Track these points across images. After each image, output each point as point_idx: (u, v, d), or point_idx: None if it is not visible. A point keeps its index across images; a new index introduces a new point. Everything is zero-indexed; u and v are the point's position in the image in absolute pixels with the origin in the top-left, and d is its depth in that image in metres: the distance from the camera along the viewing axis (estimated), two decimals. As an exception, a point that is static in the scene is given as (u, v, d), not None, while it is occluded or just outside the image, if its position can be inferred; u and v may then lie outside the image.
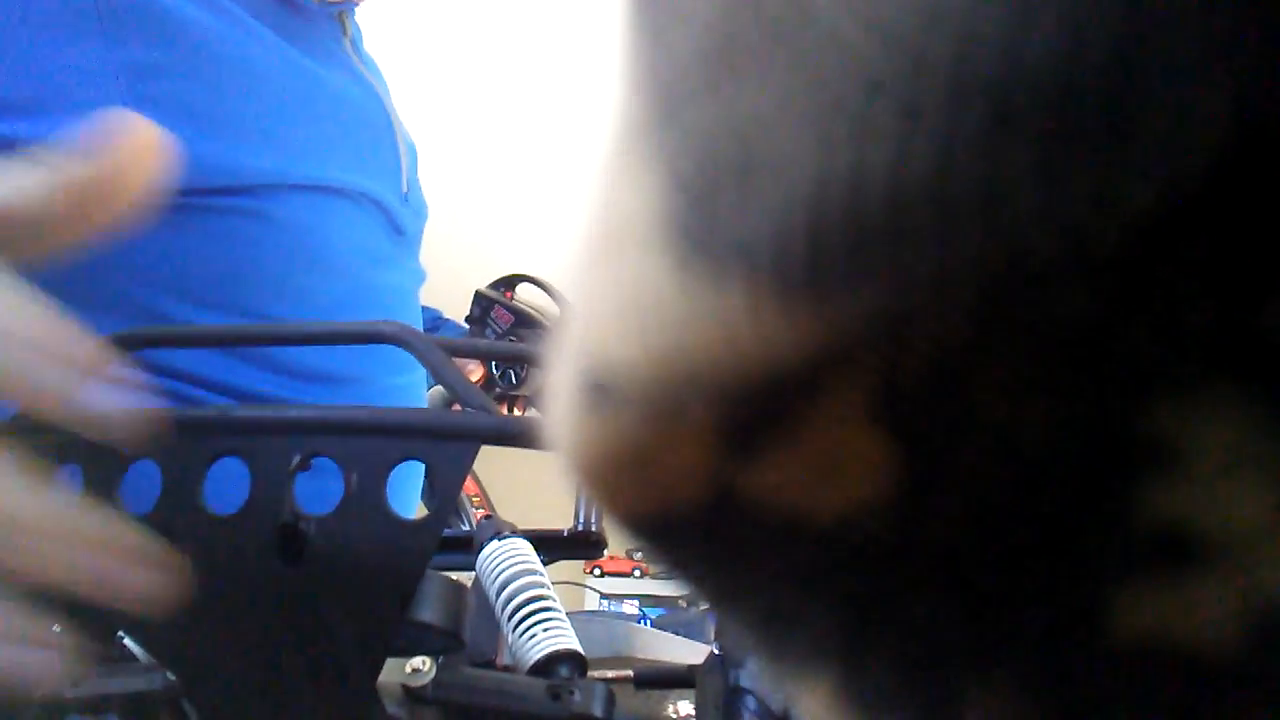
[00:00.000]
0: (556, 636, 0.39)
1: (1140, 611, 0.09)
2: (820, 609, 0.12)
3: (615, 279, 0.11)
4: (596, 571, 2.79)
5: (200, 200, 0.55)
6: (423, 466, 0.34)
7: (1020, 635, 0.10)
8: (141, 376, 0.29)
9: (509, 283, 1.10)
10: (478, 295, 1.06)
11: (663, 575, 0.14)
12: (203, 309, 0.57)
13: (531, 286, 1.11)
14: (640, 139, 0.11)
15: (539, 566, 0.43)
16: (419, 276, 0.86)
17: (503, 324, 1.04)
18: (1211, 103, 0.07)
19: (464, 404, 0.34)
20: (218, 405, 0.40)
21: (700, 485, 0.11)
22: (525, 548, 0.43)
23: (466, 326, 1.10)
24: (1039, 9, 0.07)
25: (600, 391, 0.11)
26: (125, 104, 0.53)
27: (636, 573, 2.78)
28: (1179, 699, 0.10)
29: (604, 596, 2.82)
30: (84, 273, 0.49)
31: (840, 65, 0.08)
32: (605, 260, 0.11)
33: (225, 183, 0.56)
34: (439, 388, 0.95)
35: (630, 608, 2.83)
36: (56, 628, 0.28)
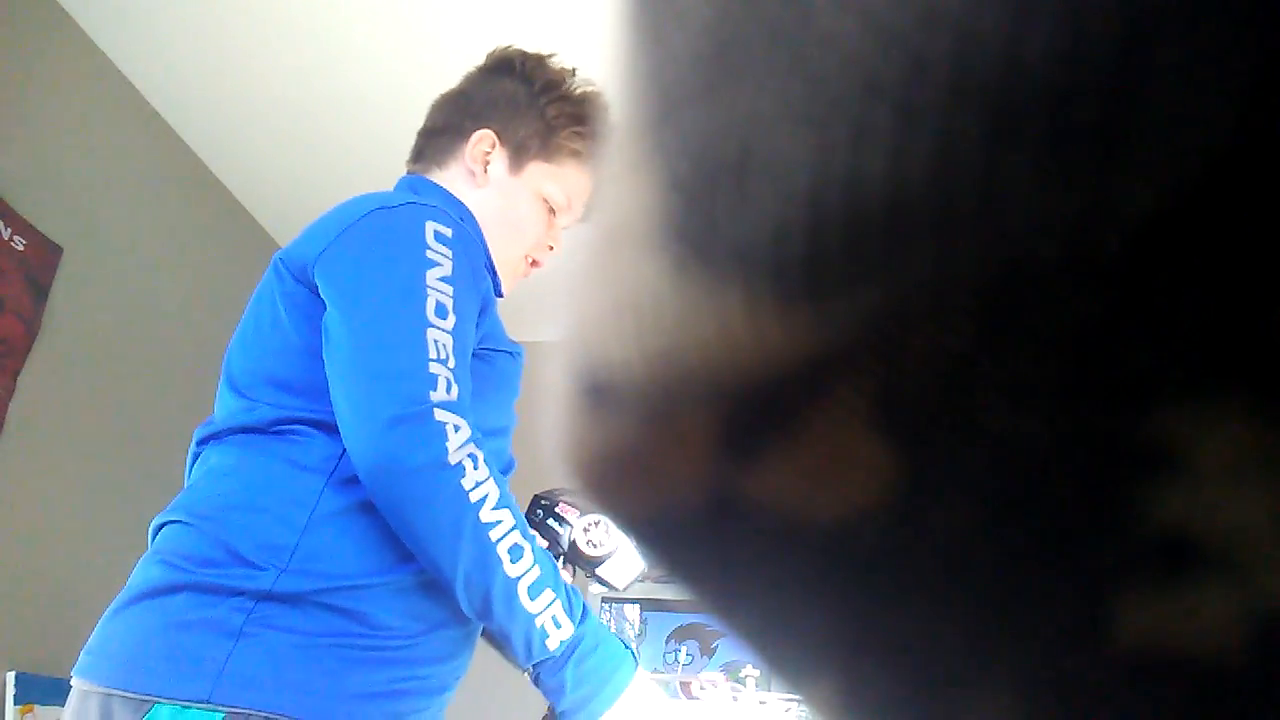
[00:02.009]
0: None
1: (1142, 616, 0.09)
2: (819, 613, 0.12)
3: (613, 280, 0.11)
4: (597, 575, 2.79)
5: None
6: None
7: (1021, 640, 0.10)
8: None
9: (552, 495, 1.12)
10: (536, 500, 1.10)
11: (663, 578, 0.14)
12: None
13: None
14: (638, 140, 0.11)
15: None
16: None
17: (568, 516, 1.09)
18: (1212, 104, 0.07)
19: None
20: None
21: (699, 488, 0.11)
22: None
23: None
24: (1038, 10, 0.07)
25: (599, 393, 0.11)
26: None
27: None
28: (1180, 704, 0.10)
29: (605, 600, 2.82)
30: None
31: (838, 66, 0.08)
32: (603, 261, 0.11)
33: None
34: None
35: (631, 611, 2.83)
36: None
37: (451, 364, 0.85)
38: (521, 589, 0.83)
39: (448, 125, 1.10)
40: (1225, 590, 0.09)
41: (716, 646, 2.77)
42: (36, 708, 1.80)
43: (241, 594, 0.81)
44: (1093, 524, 0.09)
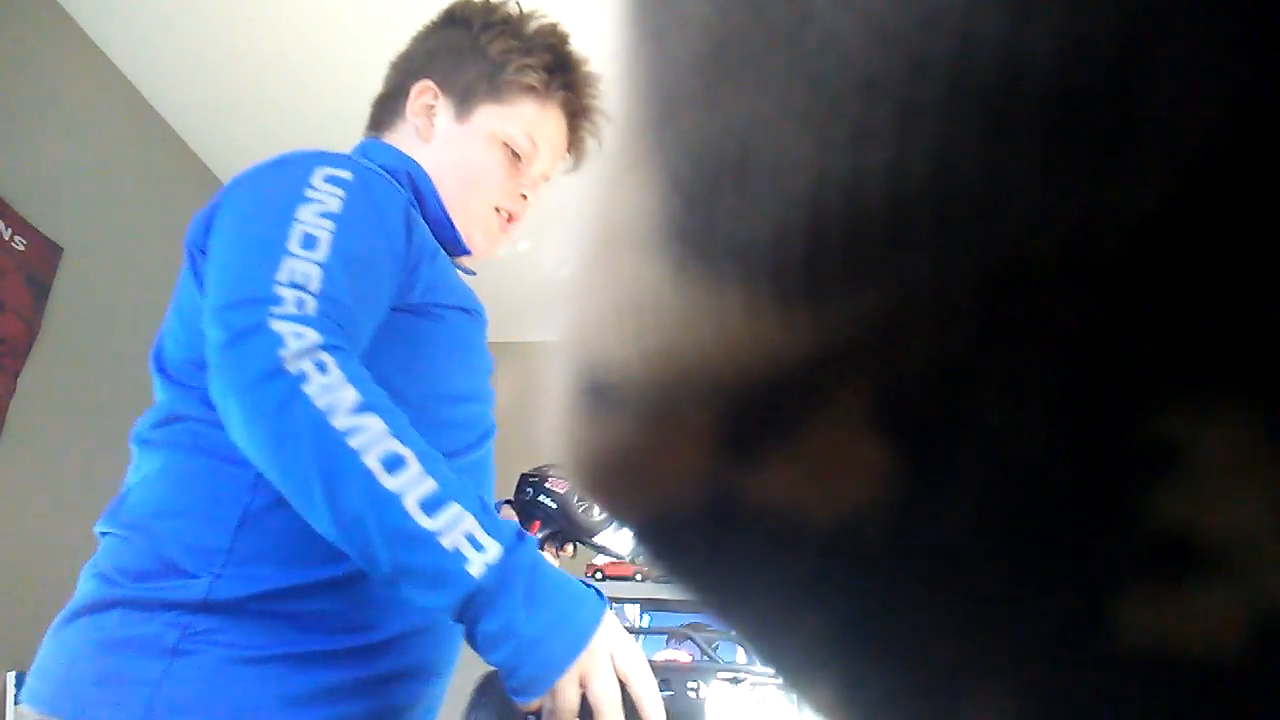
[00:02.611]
0: None
1: (1142, 617, 0.09)
2: (819, 613, 0.12)
3: (613, 280, 0.11)
4: (597, 575, 2.79)
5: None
6: None
7: (1021, 640, 0.10)
8: None
9: (541, 470, 1.05)
10: (524, 479, 1.03)
11: (663, 579, 0.14)
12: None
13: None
14: (639, 140, 0.11)
15: None
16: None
17: (560, 489, 1.01)
18: (1212, 104, 0.07)
19: None
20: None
21: (699, 488, 0.11)
22: None
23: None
24: (1038, 10, 0.07)
25: (598, 394, 0.11)
26: None
27: (638, 576, 2.78)
28: (1180, 704, 0.10)
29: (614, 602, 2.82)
30: None
31: (838, 66, 0.08)
32: (603, 261, 0.11)
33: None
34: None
35: (631, 611, 2.83)
36: None
37: (314, 289, 0.71)
38: (410, 503, 0.63)
39: (392, 88, 1.02)
40: (1225, 590, 0.09)
41: (718, 646, 2.76)
42: None
43: (175, 607, 0.72)
44: (1093, 524, 0.09)
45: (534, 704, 0.66)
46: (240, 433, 0.67)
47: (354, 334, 0.74)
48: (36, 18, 2.06)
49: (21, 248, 1.99)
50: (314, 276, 0.72)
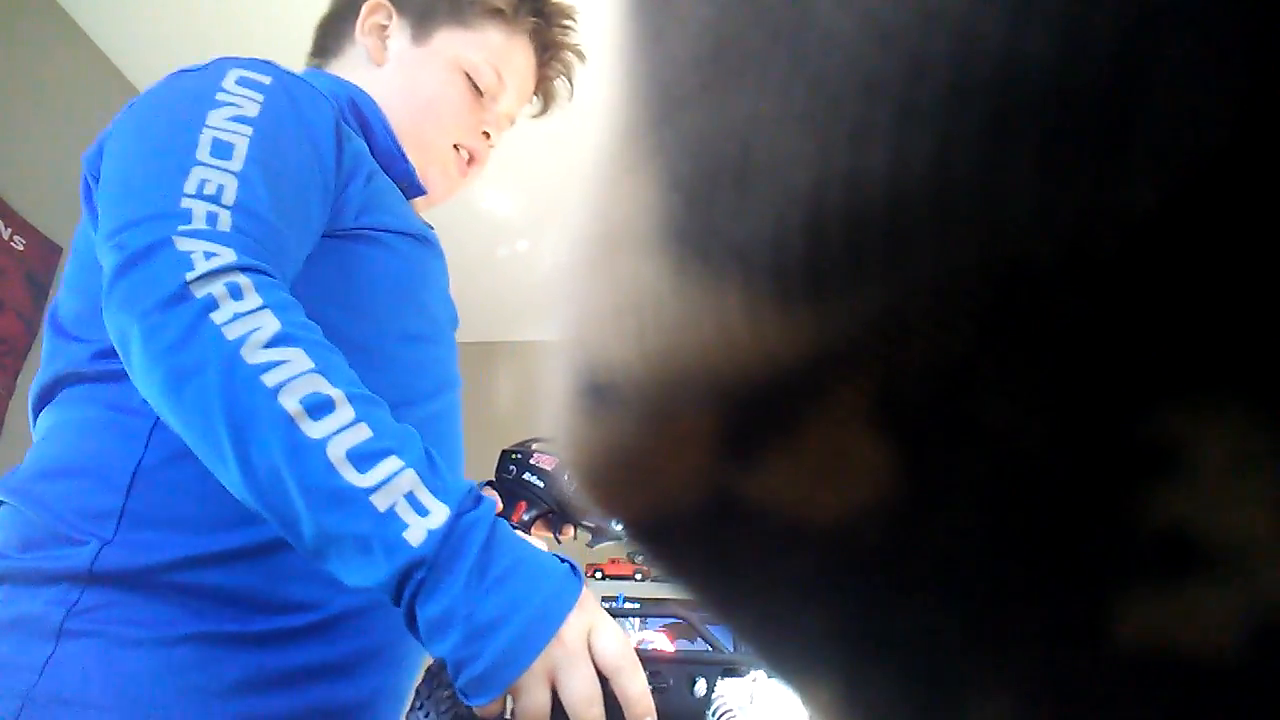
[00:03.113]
0: None
1: (1142, 617, 0.09)
2: (820, 613, 0.12)
3: (613, 280, 0.11)
4: (598, 574, 2.79)
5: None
6: None
7: (1021, 641, 0.10)
8: None
9: (524, 446, 0.97)
10: (505, 455, 0.94)
11: (663, 579, 0.14)
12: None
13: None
14: (638, 140, 0.11)
15: None
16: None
17: (547, 465, 0.92)
18: (1212, 103, 0.07)
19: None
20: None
21: (699, 488, 0.11)
22: None
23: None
24: (1038, 10, 0.07)
25: (598, 394, 0.11)
26: None
27: (637, 576, 2.78)
28: (1180, 704, 0.10)
29: (605, 599, 2.82)
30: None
31: (838, 65, 0.08)
32: (603, 261, 0.11)
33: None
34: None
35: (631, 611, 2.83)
36: None
37: (228, 200, 0.59)
38: (335, 454, 0.50)
39: (339, 6, 0.90)
40: (1225, 590, 0.09)
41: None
42: None
43: (59, 580, 0.59)
44: (1092, 524, 0.09)
45: (491, 707, 0.50)
46: (138, 371, 0.55)
47: (278, 255, 0.61)
48: (36, 17, 2.05)
49: (21, 247, 1.99)
50: (229, 187, 0.60)
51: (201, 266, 0.54)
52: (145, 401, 0.58)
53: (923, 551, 0.10)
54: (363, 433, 0.51)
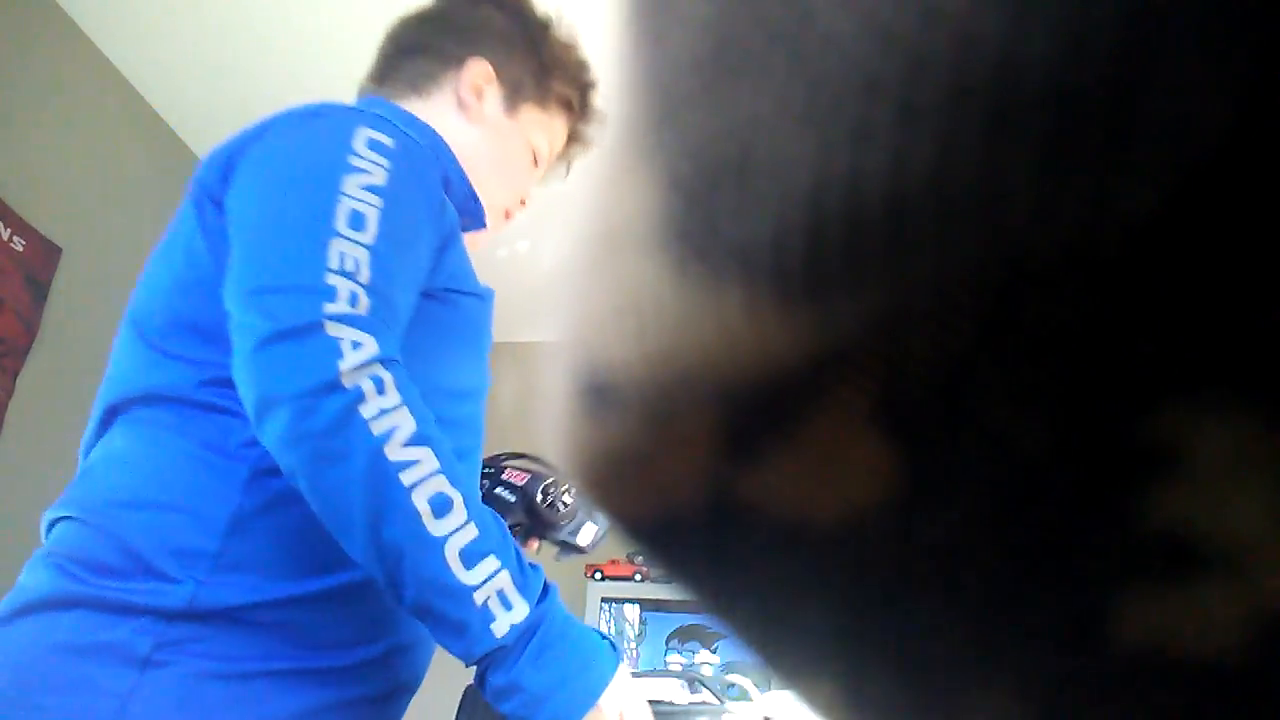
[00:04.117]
0: None
1: (1142, 617, 0.09)
2: (820, 613, 0.12)
3: (613, 280, 0.11)
4: (597, 575, 2.79)
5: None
6: None
7: (1022, 641, 0.10)
8: None
9: (495, 461, 1.01)
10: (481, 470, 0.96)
11: (663, 579, 0.14)
12: None
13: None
14: (639, 141, 0.11)
15: None
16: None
17: (519, 481, 0.96)
18: (1213, 102, 0.07)
19: None
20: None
21: (699, 488, 0.11)
22: None
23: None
24: (1038, 10, 0.07)
25: (598, 394, 0.11)
26: None
27: (637, 576, 2.78)
28: (1181, 704, 0.10)
29: (605, 600, 2.82)
30: None
31: (838, 66, 0.08)
32: (603, 262, 0.11)
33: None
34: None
35: (631, 611, 2.83)
36: None
37: (364, 279, 0.66)
38: (451, 553, 0.61)
39: (427, 47, 0.95)
40: (1225, 591, 0.09)
41: (717, 647, 2.76)
42: None
43: (148, 613, 0.65)
44: (1093, 524, 0.09)
45: None
46: (278, 439, 0.63)
47: (398, 326, 0.70)
48: (36, 18, 2.06)
49: (20, 248, 1.99)
50: (364, 263, 0.67)
51: (350, 358, 0.63)
52: (241, 446, 0.69)
53: (923, 551, 0.10)
54: (472, 533, 0.63)
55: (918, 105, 0.08)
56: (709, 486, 0.11)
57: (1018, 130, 0.08)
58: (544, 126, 0.98)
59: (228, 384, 0.68)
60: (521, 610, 0.63)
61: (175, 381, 0.73)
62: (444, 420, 0.73)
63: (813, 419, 0.10)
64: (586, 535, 0.94)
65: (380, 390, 0.63)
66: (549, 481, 0.94)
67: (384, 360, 0.64)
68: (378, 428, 0.62)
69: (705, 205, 0.10)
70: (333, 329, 0.64)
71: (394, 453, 0.62)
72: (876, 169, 0.08)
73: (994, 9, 0.07)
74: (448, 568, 0.62)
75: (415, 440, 0.63)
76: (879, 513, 0.10)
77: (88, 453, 0.79)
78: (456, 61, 0.93)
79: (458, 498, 0.64)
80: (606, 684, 0.67)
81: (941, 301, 0.08)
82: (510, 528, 0.91)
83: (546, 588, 0.67)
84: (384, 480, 0.61)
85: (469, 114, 0.93)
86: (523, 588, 0.64)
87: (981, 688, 0.11)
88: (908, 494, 0.10)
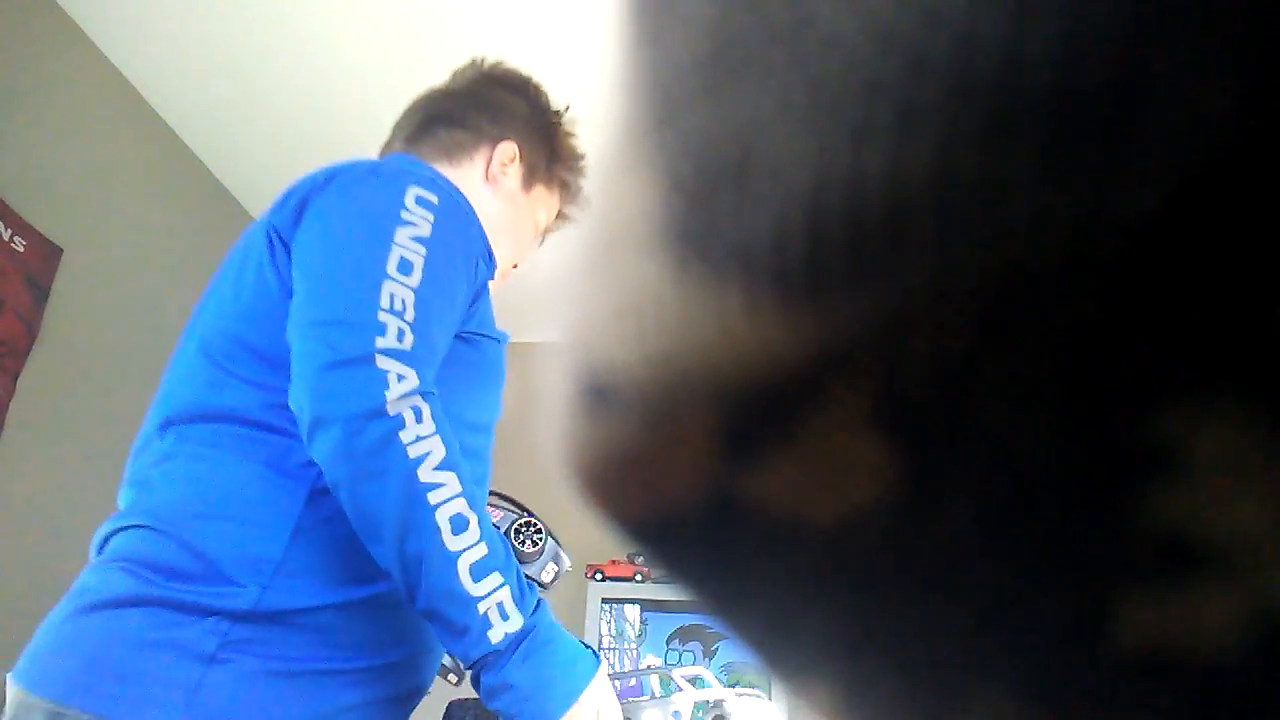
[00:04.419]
0: None
1: (1143, 618, 0.09)
2: (820, 614, 0.12)
3: (614, 281, 0.11)
4: (598, 576, 2.79)
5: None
6: None
7: (1022, 641, 0.10)
8: None
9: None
10: None
11: (664, 580, 0.14)
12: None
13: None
14: (640, 141, 0.11)
15: None
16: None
17: (495, 519, 1.06)
18: (1213, 102, 0.07)
19: None
20: None
21: (699, 489, 0.11)
22: None
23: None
24: (1038, 10, 0.07)
25: (599, 394, 0.11)
26: None
27: (638, 577, 2.78)
28: (1181, 705, 0.10)
29: (605, 600, 2.82)
30: None
31: (839, 66, 0.08)
32: (604, 262, 0.11)
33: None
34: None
35: (631, 611, 2.83)
36: None
37: (410, 318, 0.78)
38: (463, 567, 0.72)
39: (462, 120, 1.09)
40: (1225, 590, 0.09)
41: (717, 648, 2.76)
42: None
43: (217, 614, 0.74)
44: (1093, 524, 0.09)
45: None
46: (328, 454, 0.73)
47: (436, 362, 0.81)
48: (36, 18, 2.06)
49: (21, 248, 1.99)
50: (409, 304, 0.79)
51: (395, 389, 0.74)
52: (299, 467, 0.80)
53: (923, 552, 0.10)
54: (482, 551, 0.74)
55: (918, 105, 0.08)
56: (709, 487, 0.11)
57: (1018, 131, 0.08)
58: (546, 204, 1.14)
59: (288, 408, 0.78)
60: (516, 621, 0.74)
61: (239, 403, 0.83)
62: (463, 449, 0.84)
63: (813, 419, 0.10)
64: (549, 574, 1.06)
65: (419, 419, 0.74)
66: (522, 522, 1.06)
67: (423, 393, 0.75)
68: (414, 451, 0.73)
69: (706, 206, 0.10)
70: (382, 362, 0.75)
71: (425, 475, 0.73)
72: (877, 169, 0.08)
73: (994, 9, 0.07)
74: (458, 579, 0.72)
75: (444, 465, 0.74)
76: (879, 513, 0.10)
77: (138, 456, 0.87)
78: (490, 140, 1.09)
79: (474, 519, 0.74)
80: (587, 684, 0.77)
81: (942, 302, 0.08)
82: None
83: (539, 603, 0.77)
84: (414, 498, 0.72)
85: (495, 187, 1.08)
86: (519, 602, 0.74)
87: (981, 688, 0.11)
88: (908, 494, 0.10)
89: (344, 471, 0.73)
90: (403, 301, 0.79)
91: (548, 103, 1.14)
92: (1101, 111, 0.07)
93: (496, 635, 0.73)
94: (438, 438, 0.74)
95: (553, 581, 1.06)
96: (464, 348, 0.91)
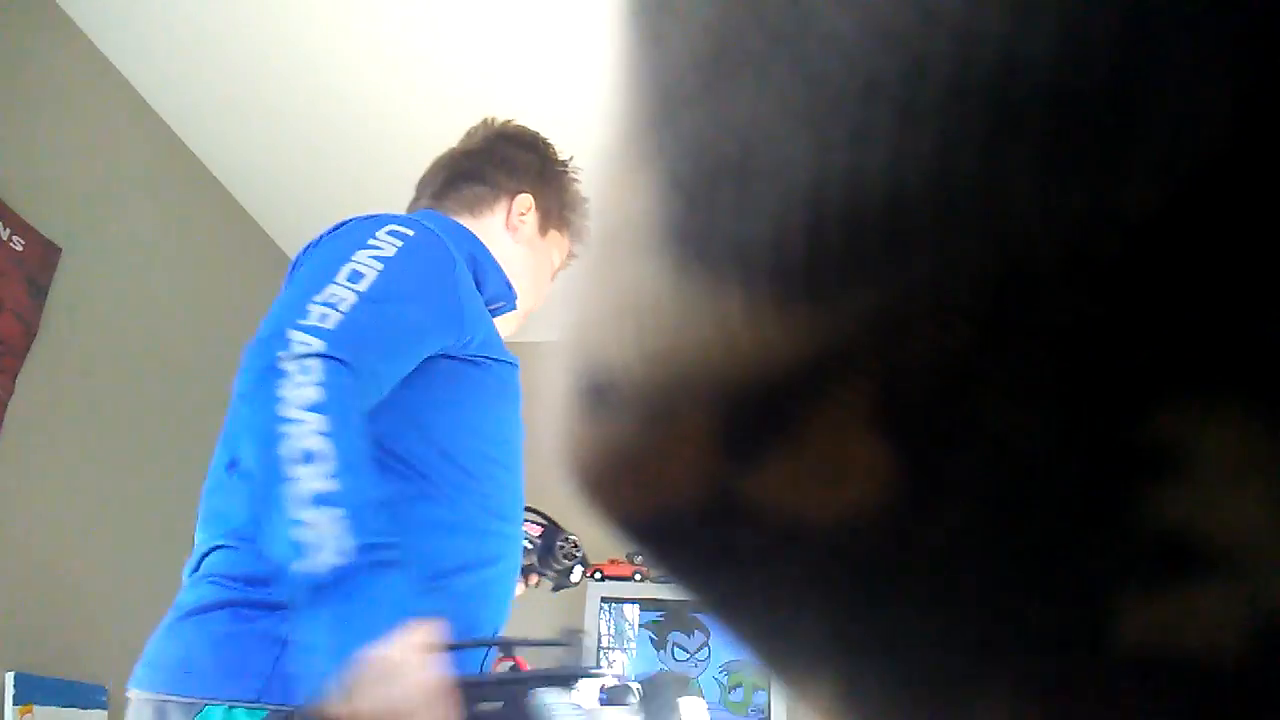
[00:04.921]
0: None
1: (1143, 618, 0.09)
2: (820, 615, 0.11)
3: (613, 281, 0.11)
4: (597, 575, 2.79)
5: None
6: None
7: (1022, 641, 0.10)
8: None
9: None
10: None
11: (663, 579, 0.14)
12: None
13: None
14: (639, 141, 0.11)
15: None
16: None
17: (535, 534, 1.19)
18: (1213, 102, 0.07)
19: None
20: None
21: (699, 489, 0.11)
22: None
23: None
24: (1038, 10, 0.07)
25: (598, 395, 0.11)
26: None
27: (637, 576, 2.78)
28: (1182, 706, 0.10)
29: (605, 600, 2.82)
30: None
31: (838, 66, 0.08)
32: (603, 262, 0.11)
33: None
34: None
35: (631, 611, 2.83)
36: None
37: (343, 309, 0.82)
38: (296, 493, 0.71)
39: (481, 176, 1.22)
40: (1225, 591, 0.09)
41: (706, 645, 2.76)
42: (35, 708, 1.80)
43: (282, 608, 0.82)
44: (1093, 525, 0.09)
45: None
46: (231, 402, 0.80)
47: (364, 363, 0.81)
48: (36, 18, 2.06)
49: (20, 248, 1.99)
50: (347, 301, 0.82)
51: (294, 349, 0.77)
52: None
53: (922, 552, 0.10)
54: (332, 485, 0.72)
55: (918, 105, 0.08)
56: (709, 487, 0.11)
57: (1018, 130, 0.08)
58: (559, 245, 1.26)
59: None
60: (332, 557, 0.70)
61: None
62: (484, 456, 0.95)
63: (812, 419, 0.10)
64: (577, 574, 1.22)
65: (304, 372, 0.76)
66: (562, 537, 1.20)
67: (324, 355, 0.78)
68: (285, 393, 0.75)
69: (705, 206, 0.10)
70: (291, 332, 0.79)
71: (288, 410, 0.75)
72: (876, 169, 0.08)
73: (994, 9, 0.07)
74: (286, 503, 0.72)
75: (315, 408, 0.75)
76: (878, 513, 0.10)
77: (212, 496, 0.95)
78: (508, 193, 1.21)
79: (334, 456, 0.73)
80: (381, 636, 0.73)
81: (941, 302, 0.08)
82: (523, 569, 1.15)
83: (396, 563, 0.74)
84: (271, 431, 0.74)
85: (515, 234, 1.20)
86: (358, 541, 0.71)
87: (981, 689, 0.11)
88: (907, 495, 0.10)
89: (235, 425, 0.80)
90: (339, 299, 0.82)
91: (555, 155, 1.27)
92: (1101, 111, 0.07)
93: (304, 565, 0.70)
94: (320, 388, 0.76)
95: (579, 581, 1.19)
96: (470, 369, 0.99)
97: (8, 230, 1.96)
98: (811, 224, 0.09)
